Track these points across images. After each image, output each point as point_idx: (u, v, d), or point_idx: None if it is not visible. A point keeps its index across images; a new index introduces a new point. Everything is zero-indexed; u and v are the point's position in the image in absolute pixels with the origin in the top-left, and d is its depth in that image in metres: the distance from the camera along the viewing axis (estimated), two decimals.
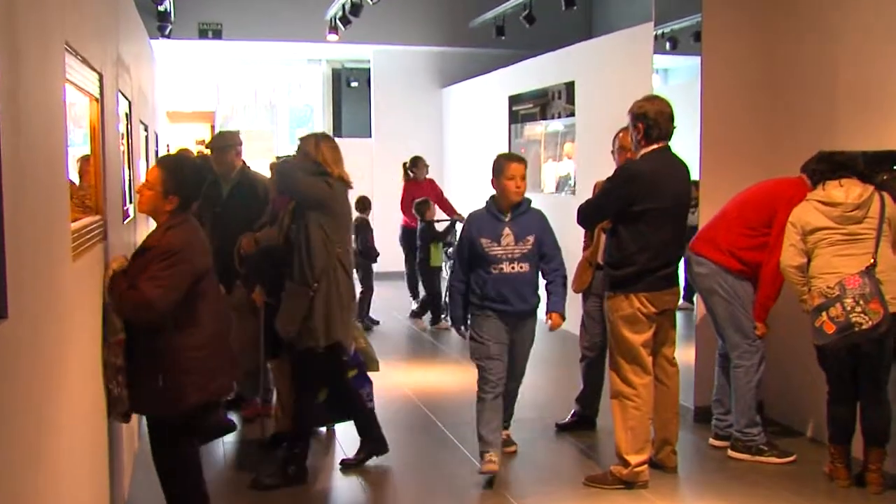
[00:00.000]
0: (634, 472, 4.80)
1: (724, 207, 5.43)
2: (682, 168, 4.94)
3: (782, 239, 4.99)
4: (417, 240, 9.64)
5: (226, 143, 6.07)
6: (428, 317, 9.82)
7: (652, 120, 4.76)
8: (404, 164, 10.44)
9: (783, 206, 5.04)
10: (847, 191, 4.67)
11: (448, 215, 10.05)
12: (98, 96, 3.96)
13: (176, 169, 3.95)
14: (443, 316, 9.54)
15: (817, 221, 4.73)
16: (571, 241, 5.81)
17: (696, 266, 5.39)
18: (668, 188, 4.76)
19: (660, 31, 6.67)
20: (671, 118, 4.81)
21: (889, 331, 4.54)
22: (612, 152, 5.58)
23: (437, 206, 9.93)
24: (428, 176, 10.43)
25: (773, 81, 5.97)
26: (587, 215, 5.04)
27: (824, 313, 4.62)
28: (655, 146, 4.80)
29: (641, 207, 4.71)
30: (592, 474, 5.00)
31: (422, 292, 9.94)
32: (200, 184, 4.10)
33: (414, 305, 10.26)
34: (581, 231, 5.79)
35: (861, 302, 4.50)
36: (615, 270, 4.83)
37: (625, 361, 4.81)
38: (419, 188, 10.18)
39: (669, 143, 4.86)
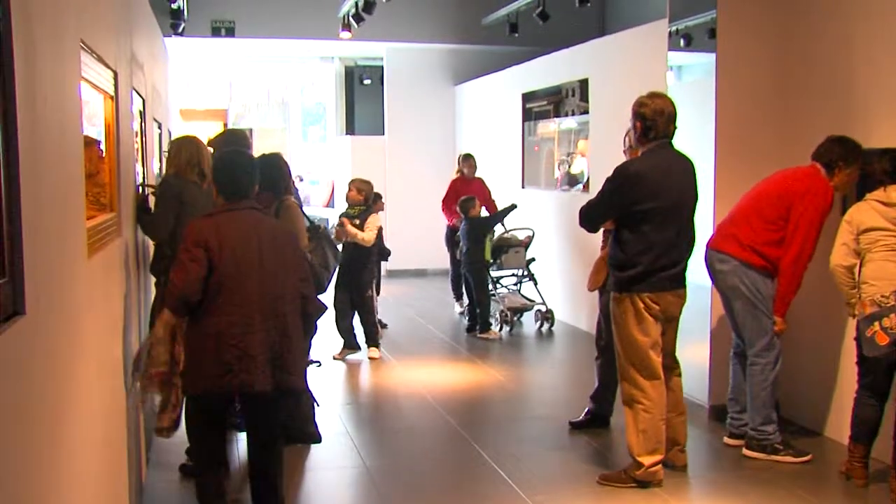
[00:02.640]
0: (649, 473, 4.79)
1: (740, 201, 5.38)
2: (685, 164, 4.84)
3: (800, 232, 4.95)
4: (462, 239, 9.06)
5: (232, 142, 6.06)
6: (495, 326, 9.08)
7: (650, 120, 4.70)
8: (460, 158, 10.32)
9: (798, 198, 5.00)
10: None
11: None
12: (113, 94, 3.97)
13: (215, 162, 4.26)
14: (494, 325, 9.09)
15: (873, 221, 4.62)
16: (587, 239, 5.79)
17: (717, 263, 5.33)
18: (668, 186, 4.68)
19: (674, 28, 6.64)
20: (671, 118, 4.72)
21: None
22: (624, 151, 5.56)
23: (483, 207, 9.53)
24: (477, 175, 10.18)
25: (787, 78, 5.94)
26: (588, 217, 4.94)
27: (877, 323, 4.47)
28: (654, 143, 4.74)
29: (642, 207, 4.64)
30: (607, 473, 4.99)
31: (464, 297, 9.48)
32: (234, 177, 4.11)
33: (457, 308, 9.98)
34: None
35: None
36: (620, 272, 4.78)
37: (633, 366, 4.78)
38: (467, 187, 9.83)
39: (671, 141, 4.78)
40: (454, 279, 10.04)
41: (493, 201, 10.02)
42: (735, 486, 4.90)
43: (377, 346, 8.02)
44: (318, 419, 5.63)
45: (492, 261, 9.20)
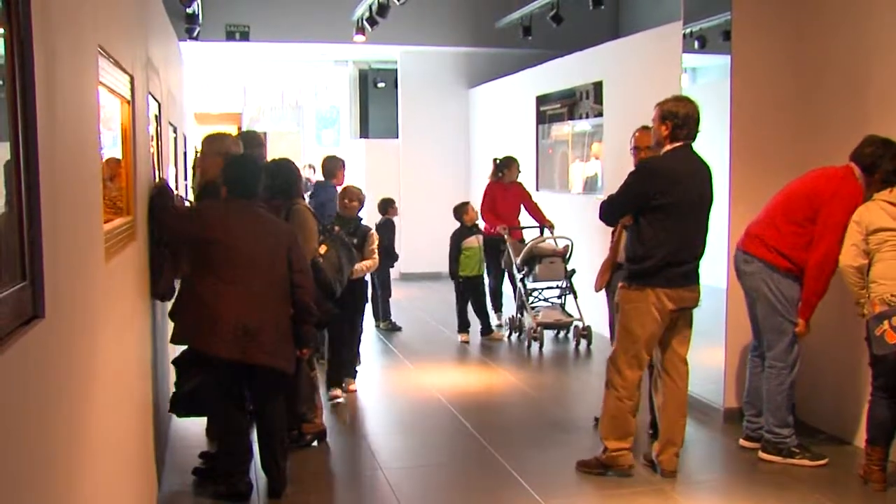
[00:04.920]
0: (611, 457, 4.96)
1: (769, 202, 5.34)
2: (704, 167, 4.95)
3: (827, 234, 4.92)
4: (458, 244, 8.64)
5: (247, 142, 6.11)
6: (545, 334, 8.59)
7: (682, 120, 4.81)
8: (495, 161, 9.34)
9: (826, 200, 4.96)
10: None
11: (539, 223, 9.11)
12: (129, 98, 4.00)
13: (226, 164, 4.77)
14: (497, 325, 9.13)
15: (882, 221, 4.63)
16: (598, 241, 5.79)
17: (742, 264, 5.33)
18: (689, 184, 4.80)
19: (688, 30, 6.62)
20: (698, 121, 4.86)
21: None
22: (631, 150, 5.62)
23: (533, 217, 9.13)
24: (518, 180, 9.36)
25: (802, 79, 5.92)
26: (608, 210, 5.05)
27: (886, 322, 4.50)
28: (679, 144, 4.84)
29: (662, 201, 4.75)
30: (583, 459, 5.13)
31: (503, 310, 9.27)
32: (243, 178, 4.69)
33: (494, 321, 9.21)
34: (608, 231, 5.79)
35: None
36: (635, 264, 4.88)
37: (622, 352, 4.92)
38: (505, 192, 9.18)
39: (692, 143, 4.88)
40: (493, 290, 9.33)
41: (538, 208, 9.22)
42: (750, 488, 4.88)
43: (353, 378, 6.98)
44: (319, 403, 5.68)
45: (463, 277, 8.61)
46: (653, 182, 4.79)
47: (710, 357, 6.11)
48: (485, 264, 8.82)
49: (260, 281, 4.49)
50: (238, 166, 4.73)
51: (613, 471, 4.96)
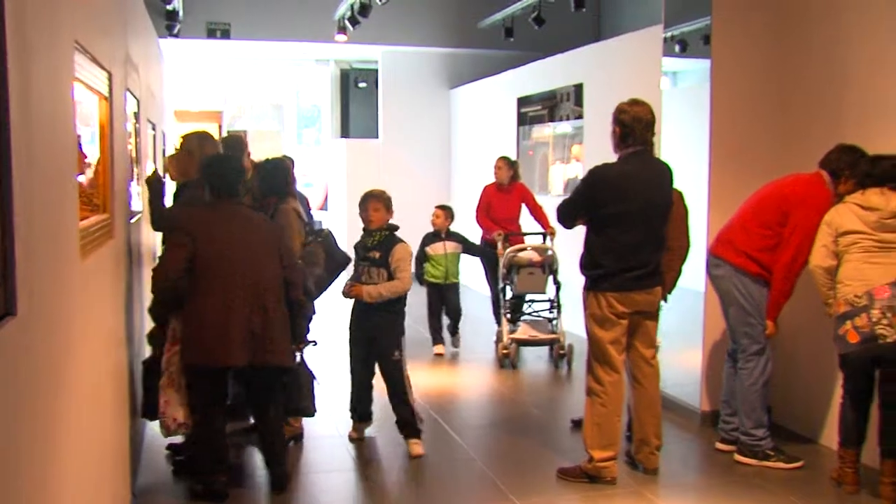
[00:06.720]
0: (597, 467, 4.91)
1: (741, 207, 5.40)
2: (660, 171, 4.96)
3: (795, 237, 4.98)
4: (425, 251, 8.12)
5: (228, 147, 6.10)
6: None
7: (628, 127, 4.82)
8: (506, 160, 8.64)
9: (796, 205, 5.02)
10: (888, 198, 4.61)
11: (542, 227, 8.38)
12: (107, 95, 3.97)
13: (207, 164, 4.78)
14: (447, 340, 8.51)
15: (851, 224, 4.69)
16: (579, 245, 5.79)
17: (713, 268, 5.40)
18: (637, 191, 4.78)
19: (669, 34, 6.65)
20: (648, 126, 4.82)
21: None
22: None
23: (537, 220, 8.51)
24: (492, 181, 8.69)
25: (782, 84, 5.95)
26: (563, 214, 5.06)
27: (849, 322, 4.57)
28: (631, 150, 4.85)
29: (607, 211, 4.77)
30: (565, 467, 5.09)
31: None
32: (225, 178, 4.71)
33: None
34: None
35: (888, 314, 4.43)
36: (585, 271, 4.93)
37: (595, 360, 4.92)
38: (503, 195, 8.54)
39: (647, 147, 4.86)
40: (494, 300, 8.51)
41: (542, 211, 8.47)
42: (725, 490, 4.90)
43: (418, 436, 5.57)
44: (315, 394, 5.62)
45: (429, 283, 8.14)
46: (599, 191, 4.81)
47: (687, 360, 6.14)
48: (458, 273, 8.22)
49: (258, 282, 4.50)
50: (220, 165, 4.77)
51: (598, 481, 4.91)
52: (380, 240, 5.49)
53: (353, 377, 5.71)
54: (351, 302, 5.63)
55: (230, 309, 4.38)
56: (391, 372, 5.50)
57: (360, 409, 5.75)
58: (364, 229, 5.64)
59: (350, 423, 5.82)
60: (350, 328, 5.65)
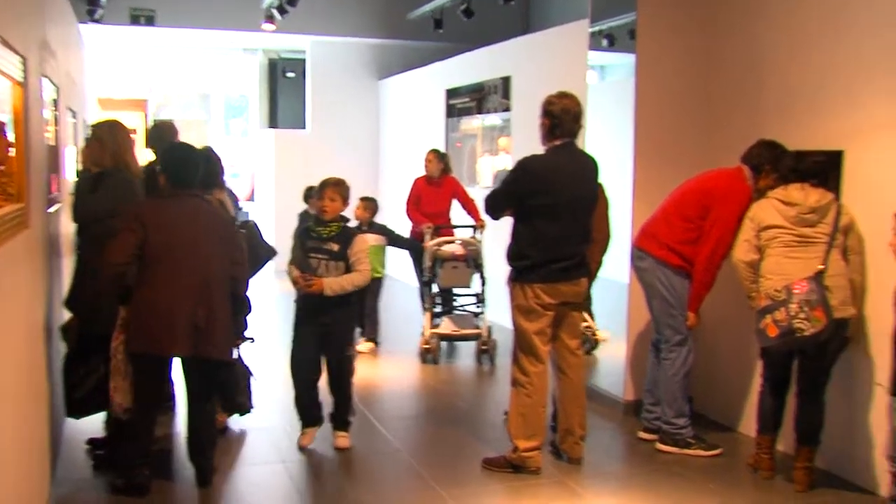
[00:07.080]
0: (522, 457, 4.95)
1: (664, 201, 5.49)
2: (586, 164, 5.02)
3: (716, 230, 5.09)
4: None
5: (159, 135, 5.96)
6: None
7: (557, 118, 4.85)
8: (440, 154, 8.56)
9: (717, 199, 5.12)
10: (807, 194, 4.73)
11: (474, 220, 8.25)
12: (21, 81, 3.85)
13: (167, 152, 4.76)
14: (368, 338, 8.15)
15: (772, 219, 4.79)
16: (506, 237, 5.82)
17: (637, 261, 5.49)
18: (563, 183, 4.82)
19: (597, 28, 6.72)
20: (576, 118, 4.87)
21: (832, 338, 4.59)
22: None
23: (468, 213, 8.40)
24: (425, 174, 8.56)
25: (706, 78, 6.06)
26: (491, 205, 5.09)
27: (769, 316, 4.67)
28: (558, 142, 4.89)
29: (533, 203, 4.81)
30: (489, 457, 5.13)
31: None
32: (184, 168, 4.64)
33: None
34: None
35: (805, 308, 4.54)
36: (511, 262, 4.95)
37: (520, 350, 4.95)
38: (432, 188, 8.45)
39: (574, 140, 4.92)
40: (421, 294, 8.23)
41: (473, 204, 8.34)
42: (647, 479, 4.99)
43: (347, 428, 5.52)
44: (252, 391, 5.59)
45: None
46: (528, 183, 4.84)
47: (612, 350, 6.23)
48: (382, 267, 7.91)
49: (206, 276, 4.47)
50: (180, 155, 4.70)
51: (523, 471, 4.96)
52: (337, 231, 5.27)
53: (297, 378, 5.36)
54: (290, 299, 5.45)
55: (176, 299, 4.37)
56: (342, 365, 5.35)
57: (314, 412, 5.45)
58: (315, 218, 5.48)
59: (298, 428, 5.52)
60: (297, 326, 5.34)
